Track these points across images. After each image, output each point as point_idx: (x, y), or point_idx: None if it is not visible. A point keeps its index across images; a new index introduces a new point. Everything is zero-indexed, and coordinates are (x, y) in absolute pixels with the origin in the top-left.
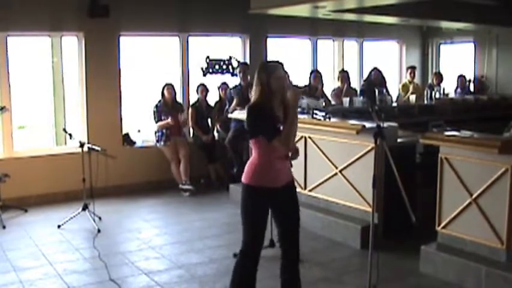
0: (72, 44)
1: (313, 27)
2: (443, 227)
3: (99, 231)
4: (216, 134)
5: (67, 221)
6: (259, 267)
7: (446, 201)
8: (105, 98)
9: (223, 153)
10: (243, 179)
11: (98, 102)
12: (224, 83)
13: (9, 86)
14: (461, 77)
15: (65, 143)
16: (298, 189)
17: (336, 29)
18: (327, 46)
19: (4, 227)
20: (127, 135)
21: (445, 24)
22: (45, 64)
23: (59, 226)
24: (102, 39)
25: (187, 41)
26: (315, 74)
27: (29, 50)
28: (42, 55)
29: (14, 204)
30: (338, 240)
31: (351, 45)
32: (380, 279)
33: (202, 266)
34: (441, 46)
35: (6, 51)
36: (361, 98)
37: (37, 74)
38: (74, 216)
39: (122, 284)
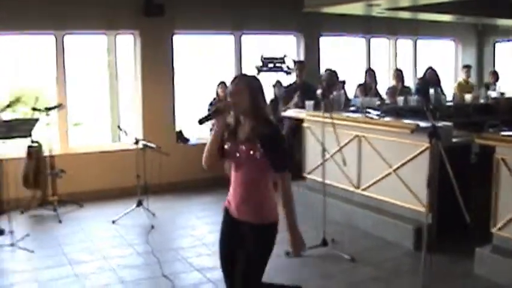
0: (127, 43)
1: (367, 26)
2: (499, 229)
3: (153, 227)
4: None
5: (121, 216)
6: (309, 266)
7: (502, 203)
8: (159, 95)
9: None
10: (270, 218)
11: (152, 100)
12: (278, 81)
13: (66, 83)
14: None
15: (120, 140)
16: (351, 188)
17: (390, 27)
18: (381, 44)
19: (60, 222)
20: (180, 132)
21: (501, 21)
22: (101, 62)
23: (113, 221)
24: (157, 37)
25: (241, 39)
26: (369, 73)
27: (85, 48)
28: (98, 53)
29: (70, 200)
30: (390, 239)
31: (405, 44)
32: (432, 280)
33: None
34: (497, 44)
35: (63, 49)
36: (415, 96)
37: (93, 72)
38: (128, 212)
39: (175, 279)
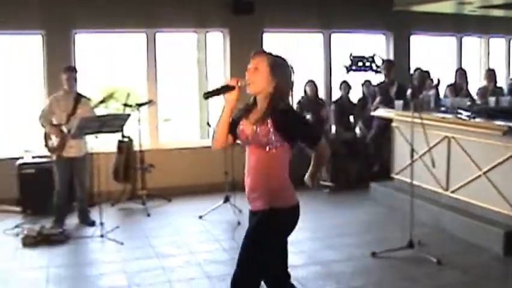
0: (217, 40)
1: (458, 24)
2: None
3: (239, 223)
4: (357, 131)
5: (209, 212)
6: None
7: None
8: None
9: (365, 151)
10: (279, 203)
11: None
12: (367, 81)
13: (156, 80)
14: None
15: (209, 137)
16: (439, 190)
17: (483, 25)
18: (472, 43)
19: (149, 215)
20: None
21: None
22: (190, 60)
23: (200, 217)
24: (246, 35)
25: (330, 38)
26: (460, 73)
27: (176, 46)
28: (188, 51)
29: (158, 194)
30: (478, 243)
31: (498, 43)
32: None
33: (339, 264)
34: None
35: (155, 47)
36: (508, 97)
37: (183, 70)
38: (215, 208)
39: None
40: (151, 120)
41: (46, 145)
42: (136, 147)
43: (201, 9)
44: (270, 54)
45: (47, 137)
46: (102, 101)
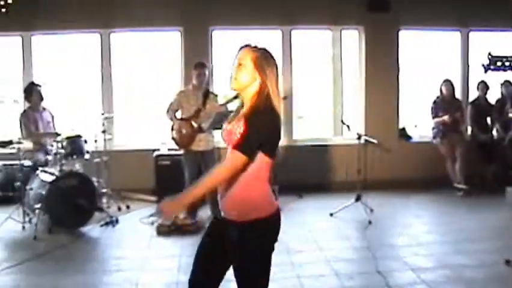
0: (351, 38)
1: None
2: None
3: (370, 222)
4: (495, 133)
5: (340, 210)
6: None
7: None
8: (383, 91)
9: (502, 153)
10: (254, 213)
11: (376, 95)
12: (507, 81)
13: (292, 77)
14: None
15: (342, 134)
16: None
17: None
18: None
19: (280, 210)
20: (403, 129)
21: None
22: (325, 57)
23: (331, 214)
24: (382, 33)
25: (468, 36)
26: None
27: (311, 43)
28: (323, 48)
29: (290, 189)
30: None
31: None
32: None
33: (469, 269)
34: None
35: (290, 44)
36: None
37: (317, 66)
38: (347, 206)
39: (388, 277)
40: (285, 116)
41: (173, 138)
42: None
43: (337, 6)
44: (256, 48)
45: (174, 130)
46: (236, 97)
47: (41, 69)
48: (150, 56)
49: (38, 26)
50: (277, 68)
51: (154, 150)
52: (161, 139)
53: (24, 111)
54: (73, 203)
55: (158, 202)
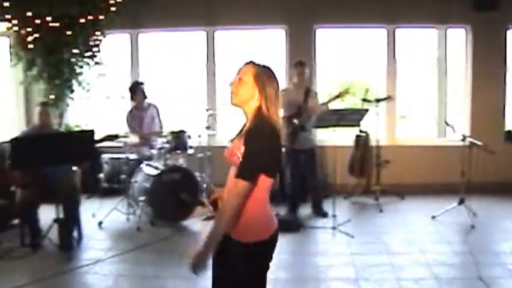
0: (458, 37)
1: None
2: None
3: (473, 227)
4: None
5: (442, 213)
6: None
7: None
8: (489, 92)
9: None
10: (246, 236)
11: (482, 96)
12: None
13: (395, 76)
14: None
15: (446, 136)
16: None
17: None
18: None
19: (381, 211)
20: (509, 132)
21: None
22: (430, 56)
23: (433, 217)
24: (489, 32)
25: None
26: None
27: (416, 42)
28: (428, 47)
29: (391, 190)
30: None
31: None
32: None
33: None
34: None
35: (394, 42)
36: None
37: (422, 66)
38: (449, 209)
39: (491, 284)
40: (388, 116)
41: None
42: (373, 143)
43: (443, 5)
44: (257, 65)
45: None
46: (338, 96)
47: (148, 66)
48: (254, 54)
49: (146, 23)
50: (278, 87)
51: None
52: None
53: (131, 110)
54: (175, 197)
55: None
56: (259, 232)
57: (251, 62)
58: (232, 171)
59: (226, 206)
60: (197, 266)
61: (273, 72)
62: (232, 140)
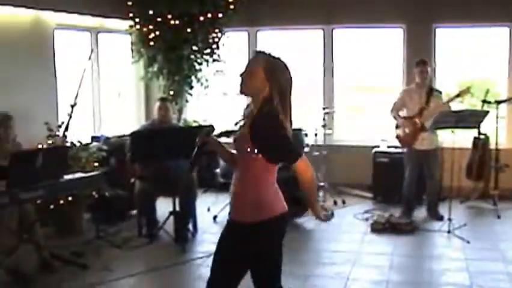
0: None
1: None
2: None
3: None
4: None
5: None
6: None
7: None
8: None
9: None
10: (265, 214)
11: None
12: None
13: None
14: None
15: None
16: None
17: None
18: None
19: (499, 217)
20: None
21: None
22: None
23: None
24: None
25: None
26: None
27: None
28: None
29: (511, 196)
30: None
31: None
32: None
33: None
34: None
35: None
36: None
37: None
38: None
39: None
40: (509, 118)
41: (397, 136)
42: (492, 145)
43: None
44: (268, 56)
45: (398, 129)
46: (458, 95)
47: None
48: (371, 53)
49: (264, 21)
50: (290, 78)
51: (373, 147)
52: (381, 136)
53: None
54: (290, 194)
55: (374, 199)
56: (272, 208)
57: (261, 52)
58: (241, 158)
59: (306, 176)
60: (319, 211)
61: (285, 64)
62: (237, 125)
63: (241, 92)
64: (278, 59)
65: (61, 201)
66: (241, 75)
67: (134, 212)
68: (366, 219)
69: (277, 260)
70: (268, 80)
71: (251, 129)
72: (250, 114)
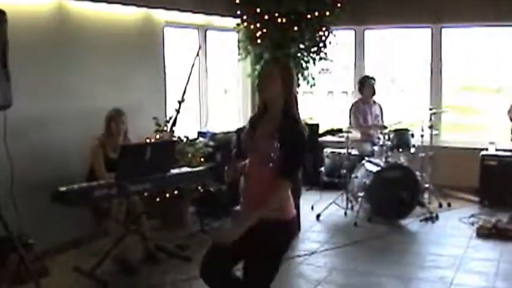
0: None
1: None
2: None
3: None
4: None
5: None
6: None
7: None
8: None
9: None
10: (285, 214)
11: None
12: None
13: None
14: None
15: None
16: None
17: None
18: None
19: None
20: None
21: None
22: None
23: None
24: None
25: None
26: None
27: None
28: None
29: None
30: None
31: None
32: None
33: None
34: None
35: None
36: None
37: None
38: None
39: None
40: None
41: None
42: None
43: None
44: (285, 63)
45: None
46: None
47: (371, 62)
48: (481, 52)
49: (371, 20)
50: (298, 85)
51: (481, 150)
52: (490, 138)
53: (356, 102)
54: (395, 195)
55: (481, 203)
56: (290, 211)
57: (277, 58)
58: (255, 159)
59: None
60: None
61: (293, 69)
62: (253, 128)
63: (263, 97)
64: (290, 67)
65: (167, 195)
66: (260, 81)
67: (239, 207)
68: (472, 224)
69: (278, 262)
70: (285, 84)
71: (281, 137)
72: (267, 119)
